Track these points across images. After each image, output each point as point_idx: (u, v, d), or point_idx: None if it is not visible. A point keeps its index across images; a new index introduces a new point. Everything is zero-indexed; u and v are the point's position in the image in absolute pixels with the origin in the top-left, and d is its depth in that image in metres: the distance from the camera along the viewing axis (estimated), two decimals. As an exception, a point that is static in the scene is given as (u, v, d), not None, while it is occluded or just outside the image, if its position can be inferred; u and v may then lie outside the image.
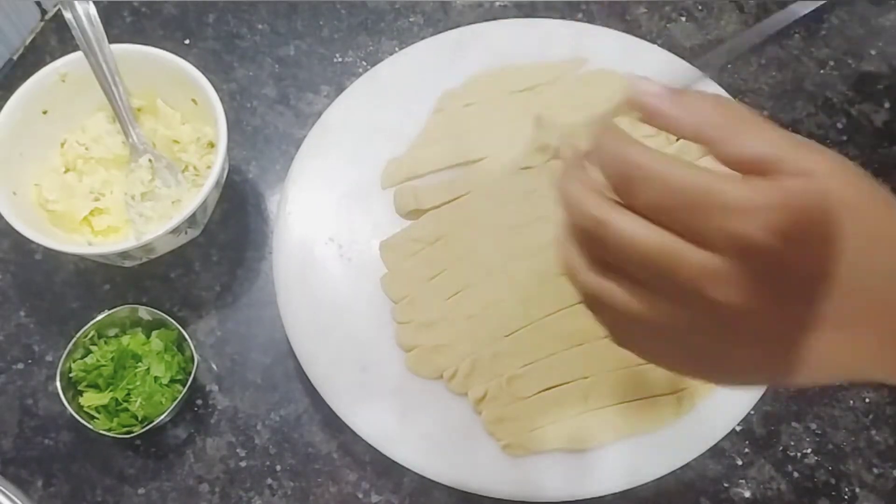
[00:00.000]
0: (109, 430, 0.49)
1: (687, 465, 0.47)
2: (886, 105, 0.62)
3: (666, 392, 0.49)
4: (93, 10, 0.53)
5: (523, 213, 0.53)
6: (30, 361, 0.54)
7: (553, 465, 0.48)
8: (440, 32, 0.60)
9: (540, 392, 0.49)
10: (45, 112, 0.55)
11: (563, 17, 0.63)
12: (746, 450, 0.51)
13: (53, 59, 0.54)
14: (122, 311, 0.52)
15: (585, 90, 0.57)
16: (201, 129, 0.56)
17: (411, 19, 0.65)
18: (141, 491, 0.51)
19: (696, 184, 0.29)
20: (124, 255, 0.52)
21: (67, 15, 0.52)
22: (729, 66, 0.63)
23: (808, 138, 0.55)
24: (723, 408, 0.49)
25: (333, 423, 0.50)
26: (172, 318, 0.51)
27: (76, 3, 0.53)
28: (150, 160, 0.55)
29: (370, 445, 0.48)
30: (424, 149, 0.55)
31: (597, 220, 0.31)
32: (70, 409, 0.49)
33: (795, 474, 0.51)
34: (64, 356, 0.50)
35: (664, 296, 0.30)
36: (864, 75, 0.63)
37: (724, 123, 0.31)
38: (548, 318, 0.51)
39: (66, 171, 0.56)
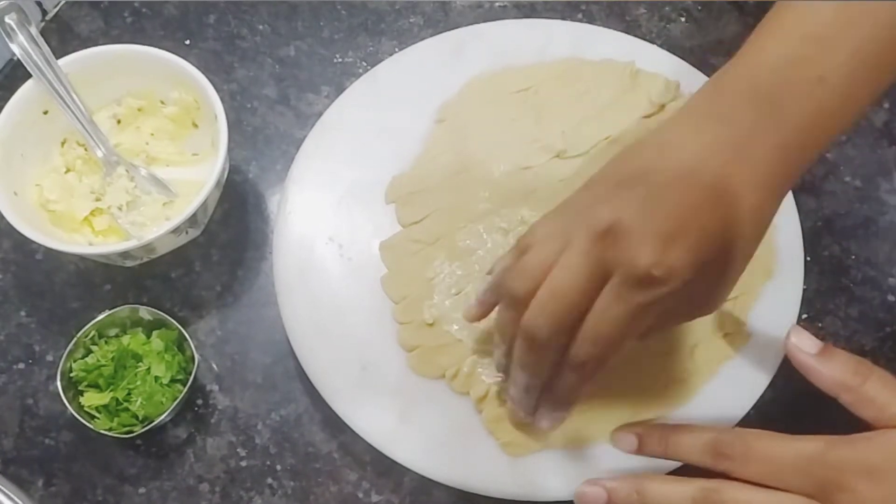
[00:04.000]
0: (110, 429, 0.49)
1: (686, 465, 0.47)
2: (886, 105, 0.62)
3: (663, 383, 0.49)
4: (34, 30, 0.54)
5: (523, 213, 0.53)
6: (30, 361, 0.54)
7: (553, 464, 0.48)
8: (440, 33, 0.60)
9: (540, 391, 0.49)
10: (45, 112, 0.55)
11: (563, 18, 0.64)
12: (746, 449, 0.51)
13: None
14: (123, 311, 0.52)
15: (585, 88, 0.57)
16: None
17: (411, 20, 0.65)
18: (141, 490, 0.51)
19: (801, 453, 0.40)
20: (125, 255, 0.52)
21: (13, 46, 0.53)
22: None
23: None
24: (722, 408, 0.49)
25: (333, 423, 0.50)
26: (173, 318, 0.51)
27: (18, 30, 0.53)
28: (126, 170, 0.55)
29: (370, 445, 0.48)
30: (428, 163, 0.55)
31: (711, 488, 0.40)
32: (71, 409, 0.49)
33: (795, 474, 0.51)
34: (64, 356, 0.50)
35: None
36: (863, 75, 0.63)
37: (857, 385, 0.41)
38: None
39: (67, 171, 0.56)
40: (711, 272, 0.38)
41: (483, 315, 0.46)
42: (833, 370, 0.42)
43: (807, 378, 0.43)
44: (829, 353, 0.43)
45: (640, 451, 0.44)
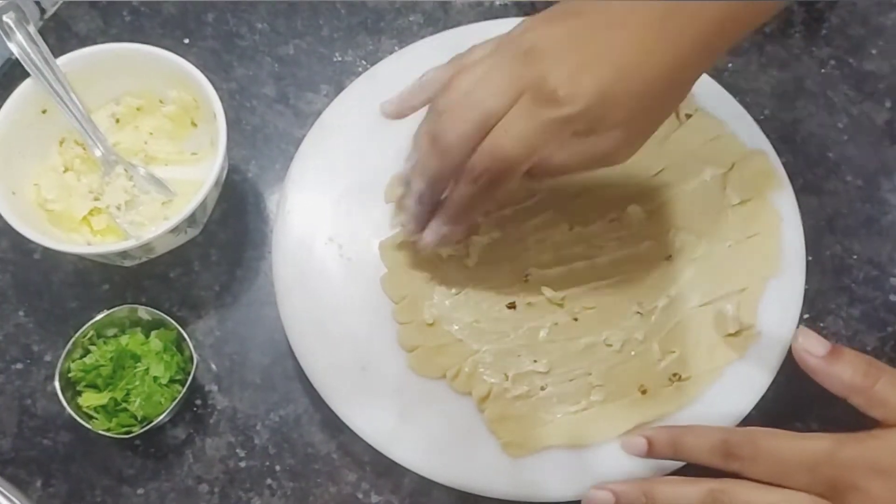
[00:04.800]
0: (108, 430, 0.49)
1: (687, 465, 0.47)
2: (888, 104, 0.62)
3: (666, 385, 0.49)
4: (33, 29, 0.54)
5: (523, 213, 0.53)
6: (28, 361, 0.54)
7: (553, 464, 0.48)
8: (440, 32, 0.60)
9: (543, 389, 0.49)
10: (43, 111, 0.55)
11: (563, 17, 0.63)
12: (747, 450, 0.51)
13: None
14: (121, 310, 0.51)
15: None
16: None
17: (411, 18, 0.65)
18: (140, 491, 0.51)
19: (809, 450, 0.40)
20: (123, 254, 0.52)
21: (12, 45, 0.53)
22: (730, 65, 0.62)
23: (809, 138, 0.58)
24: (723, 408, 0.49)
25: (333, 424, 0.50)
26: (171, 318, 0.51)
27: (16, 29, 0.53)
28: (124, 169, 0.55)
29: (370, 445, 0.48)
30: None
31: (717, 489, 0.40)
32: (69, 410, 0.49)
33: (796, 474, 0.51)
34: (63, 356, 0.50)
35: None
36: (865, 74, 0.63)
37: (868, 386, 0.41)
38: (551, 316, 0.51)
39: (65, 170, 0.56)
40: (617, 113, 0.39)
41: (402, 112, 0.48)
42: (842, 372, 0.41)
43: (815, 380, 0.43)
44: (838, 355, 0.42)
45: (649, 454, 0.44)
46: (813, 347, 0.42)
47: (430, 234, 0.46)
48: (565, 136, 0.40)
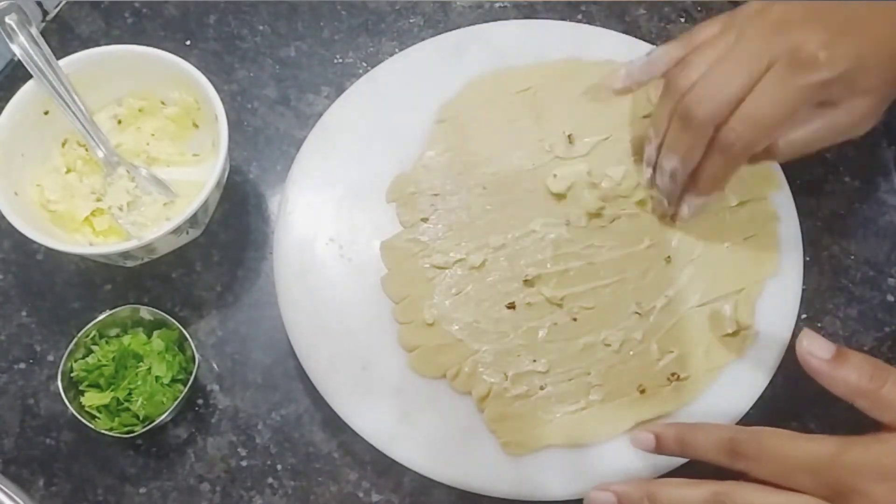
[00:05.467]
0: (111, 429, 0.49)
1: (687, 464, 0.47)
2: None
3: (665, 384, 0.49)
4: (35, 31, 0.54)
5: (523, 214, 0.54)
6: (31, 361, 0.54)
7: (553, 463, 0.48)
8: (440, 33, 0.60)
9: (542, 389, 0.49)
10: (46, 113, 0.55)
11: (562, 18, 0.64)
12: (746, 449, 0.51)
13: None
14: (124, 311, 0.52)
15: (585, 88, 0.57)
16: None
17: (411, 20, 0.65)
18: (142, 490, 0.51)
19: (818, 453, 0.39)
20: (126, 255, 0.52)
21: (14, 47, 0.53)
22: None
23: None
24: (722, 407, 0.49)
25: (334, 423, 0.51)
26: (173, 318, 0.51)
27: (18, 30, 0.53)
28: (126, 171, 0.55)
29: (370, 445, 0.49)
30: (429, 162, 0.55)
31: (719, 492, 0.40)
32: (71, 409, 0.49)
33: (794, 474, 0.51)
34: (65, 356, 0.50)
35: None
36: (862, 76, 0.63)
37: (874, 389, 0.40)
38: (550, 316, 0.51)
39: (68, 171, 0.56)
40: (869, 79, 0.40)
41: (629, 88, 0.50)
42: (848, 376, 0.41)
43: (820, 383, 0.42)
44: (844, 358, 0.41)
45: (657, 449, 0.44)
46: (818, 350, 0.42)
47: (688, 209, 0.49)
48: (814, 105, 0.41)
